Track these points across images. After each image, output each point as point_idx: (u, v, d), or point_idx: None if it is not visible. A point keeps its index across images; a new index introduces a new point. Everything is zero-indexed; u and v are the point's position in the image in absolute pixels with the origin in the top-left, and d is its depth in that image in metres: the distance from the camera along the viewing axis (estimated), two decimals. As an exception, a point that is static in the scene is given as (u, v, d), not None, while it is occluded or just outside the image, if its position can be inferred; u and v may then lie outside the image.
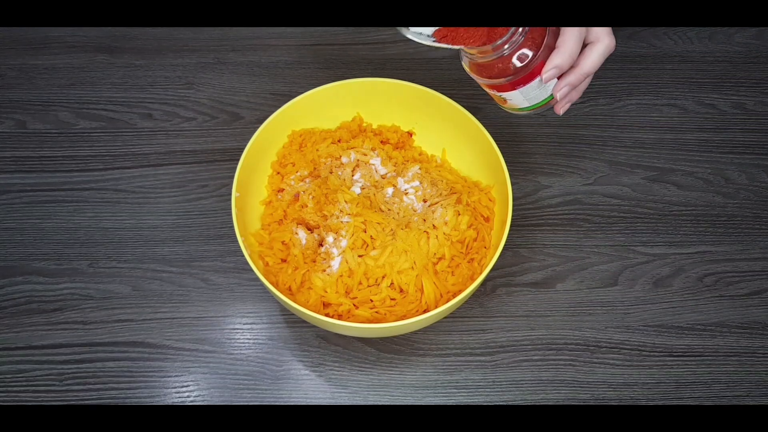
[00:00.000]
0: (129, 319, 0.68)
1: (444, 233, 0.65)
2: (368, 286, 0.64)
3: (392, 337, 0.68)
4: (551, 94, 0.58)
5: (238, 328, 0.68)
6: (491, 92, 0.60)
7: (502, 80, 0.57)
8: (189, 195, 0.75)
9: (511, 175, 0.64)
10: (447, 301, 0.61)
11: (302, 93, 0.68)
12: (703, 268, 0.72)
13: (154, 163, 0.76)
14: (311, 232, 0.67)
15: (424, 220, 0.66)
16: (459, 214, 0.66)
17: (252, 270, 0.60)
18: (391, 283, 0.63)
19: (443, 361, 0.67)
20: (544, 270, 0.71)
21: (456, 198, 0.67)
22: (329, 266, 0.64)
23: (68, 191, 0.74)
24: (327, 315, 0.62)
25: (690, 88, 0.81)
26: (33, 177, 0.75)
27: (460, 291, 0.62)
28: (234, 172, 0.63)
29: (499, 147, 0.65)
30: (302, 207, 0.68)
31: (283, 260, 0.66)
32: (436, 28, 0.53)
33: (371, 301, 0.63)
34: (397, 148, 0.73)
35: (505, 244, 0.61)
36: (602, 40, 0.56)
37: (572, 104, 0.60)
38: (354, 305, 0.63)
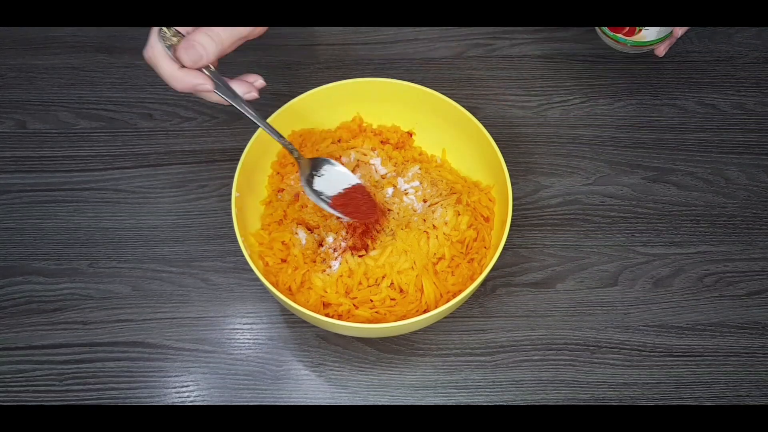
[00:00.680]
0: (129, 319, 0.68)
1: (444, 233, 0.65)
2: (368, 286, 0.64)
3: (392, 337, 0.68)
4: None
5: (238, 328, 0.68)
6: None
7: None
8: (189, 195, 0.75)
9: (511, 175, 0.64)
10: (447, 301, 0.61)
11: (302, 93, 0.68)
12: (703, 268, 0.72)
13: (154, 163, 0.76)
14: (311, 232, 0.67)
15: (424, 220, 0.66)
16: (459, 214, 0.66)
17: (252, 270, 0.60)
18: (391, 283, 0.63)
19: (443, 361, 0.67)
20: (544, 270, 0.71)
21: (456, 198, 0.67)
22: (329, 266, 0.64)
23: (68, 191, 0.74)
24: (327, 315, 0.62)
25: (690, 88, 0.81)
26: (33, 177, 0.75)
27: (460, 291, 0.62)
28: (234, 172, 0.63)
29: (499, 147, 0.65)
30: (302, 207, 0.68)
31: (283, 260, 0.66)
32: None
33: (371, 301, 0.63)
34: (397, 148, 0.73)
35: (505, 244, 0.61)
36: None
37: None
38: (354, 305, 0.63)
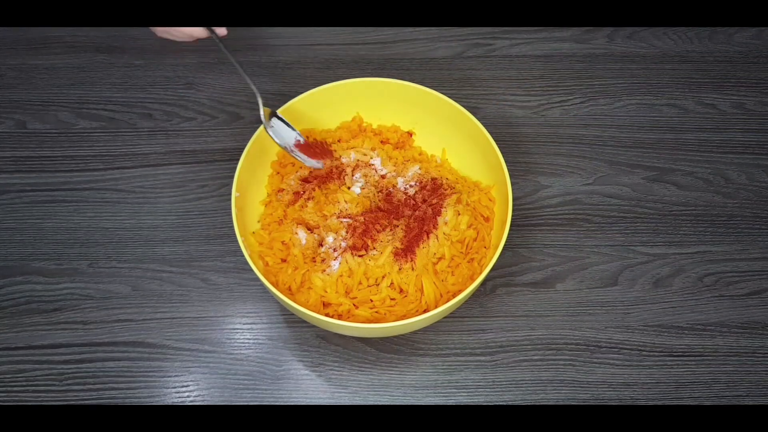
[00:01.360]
0: (129, 319, 0.68)
1: (444, 233, 0.65)
2: (368, 286, 0.64)
3: (392, 337, 0.68)
4: None
5: (238, 328, 0.68)
6: None
7: None
8: (189, 195, 0.75)
9: (511, 175, 0.64)
10: (447, 301, 0.61)
11: (302, 93, 0.68)
12: (702, 268, 0.72)
13: (154, 163, 0.76)
14: (311, 232, 0.67)
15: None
16: (459, 214, 0.66)
17: (252, 270, 0.60)
18: (391, 283, 0.63)
19: (443, 361, 0.67)
20: (543, 270, 0.71)
21: (456, 198, 0.67)
22: (329, 266, 0.64)
23: (68, 191, 0.74)
24: (327, 315, 0.62)
25: (690, 88, 0.81)
26: (33, 177, 0.75)
27: (460, 291, 0.62)
28: (234, 172, 0.63)
29: (499, 147, 0.65)
30: (302, 207, 0.68)
31: (283, 260, 0.66)
32: None
33: (371, 301, 0.63)
34: (397, 148, 0.73)
35: (504, 244, 0.61)
36: None
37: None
38: (354, 305, 0.63)
